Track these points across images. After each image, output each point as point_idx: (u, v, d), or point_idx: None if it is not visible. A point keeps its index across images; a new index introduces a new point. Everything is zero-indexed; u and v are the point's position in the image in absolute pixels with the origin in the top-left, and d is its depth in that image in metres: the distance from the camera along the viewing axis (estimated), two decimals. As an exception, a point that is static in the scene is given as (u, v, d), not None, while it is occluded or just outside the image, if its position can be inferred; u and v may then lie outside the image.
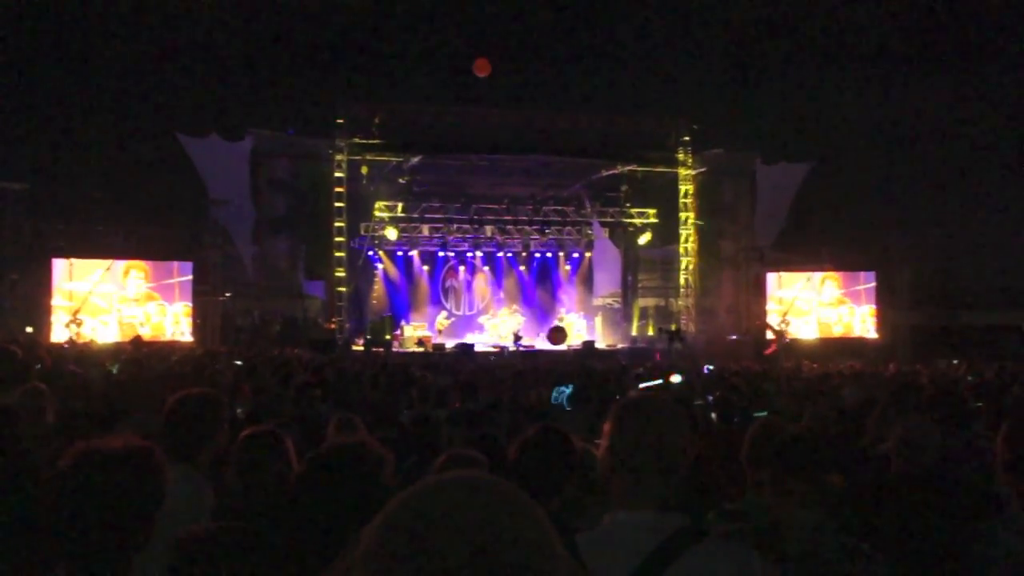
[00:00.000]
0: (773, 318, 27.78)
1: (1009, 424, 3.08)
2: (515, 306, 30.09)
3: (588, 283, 31.76)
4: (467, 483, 1.05)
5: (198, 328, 24.77)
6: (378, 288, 29.65)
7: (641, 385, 11.35)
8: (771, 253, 29.59)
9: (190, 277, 24.69)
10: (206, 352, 17.44)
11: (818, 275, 28.75)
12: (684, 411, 2.42)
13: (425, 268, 29.94)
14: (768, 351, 25.27)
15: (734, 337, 27.19)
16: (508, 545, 0.98)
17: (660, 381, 12.29)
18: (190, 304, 24.70)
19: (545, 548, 1.02)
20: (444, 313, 29.29)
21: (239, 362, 14.25)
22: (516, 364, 19.84)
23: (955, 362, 20.16)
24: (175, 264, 24.70)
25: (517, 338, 26.64)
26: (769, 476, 3.31)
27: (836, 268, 28.88)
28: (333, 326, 26.79)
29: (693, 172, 29.33)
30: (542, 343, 28.48)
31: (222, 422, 3.69)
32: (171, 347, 20.97)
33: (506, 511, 1.02)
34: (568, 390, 9.43)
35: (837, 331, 28.64)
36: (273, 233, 27.39)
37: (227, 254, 26.02)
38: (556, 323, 28.71)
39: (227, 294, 25.98)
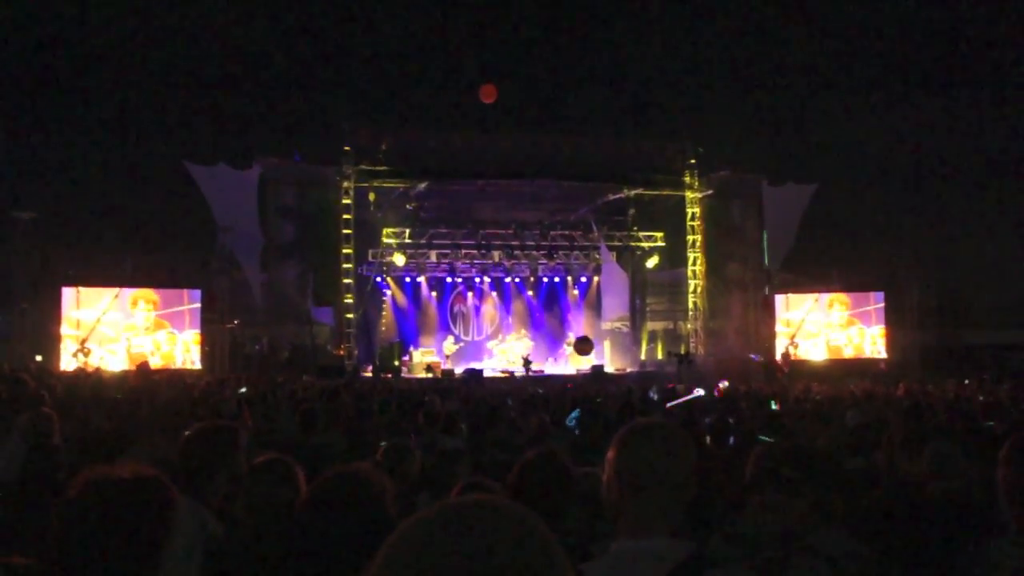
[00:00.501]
0: (782, 341, 27.72)
1: (1009, 444, 2.95)
2: (523, 331, 30.10)
3: (596, 307, 31.74)
4: (476, 506, 1.05)
5: (207, 356, 24.74)
6: (386, 314, 29.67)
7: (668, 404, 11.45)
8: (779, 275, 29.52)
9: (199, 305, 24.69)
10: (213, 380, 17.38)
11: (826, 296, 28.65)
12: (689, 436, 2.35)
13: (433, 294, 30.00)
14: (780, 374, 25.20)
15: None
16: (516, 568, 0.98)
17: (692, 396, 12.36)
18: (199, 332, 24.69)
19: (554, 571, 1.01)
20: (452, 338, 29.27)
21: (243, 389, 14.21)
22: (527, 389, 19.76)
23: (966, 382, 20.03)
24: (185, 292, 24.72)
25: (527, 363, 26.61)
26: (776, 499, 3.18)
27: (845, 289, 28.76)
28: (342, 352, 26.76)
29: (700, 195, 29.32)
30: (551, 367, 28.46)
31: (237, 455, 3.62)
32: (180, 375, 20.95)
33: (514, 534, 1.01)
34: (576, 414, 9.42)
35: (848, 353, 28.48)
36: (281, 260, 27.37)
37: (235, 281, 26.00)
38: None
39: (235, 321, 25.96)
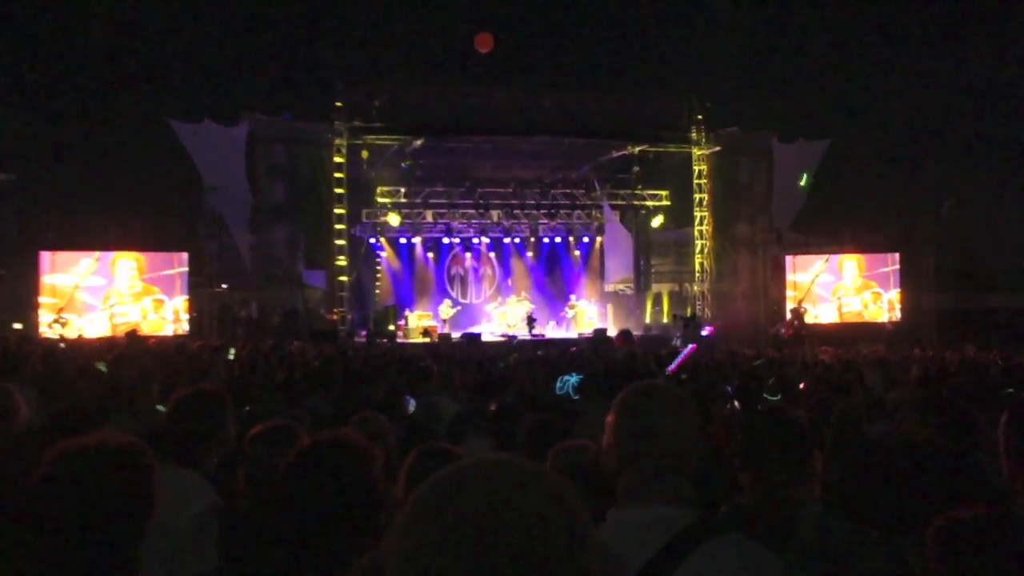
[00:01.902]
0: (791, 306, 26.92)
1: (1009, 411, 2.97)
2: (523, 293, 29.51)
3: (599, 269, 31.24)
4: (494, 467, 1.05)
5: (194, 321, 24.10)
6: (381, 277, 29.21)
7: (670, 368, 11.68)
8: (789, 235, 28.72)
9: (187, 268, 23.96)
10: (200, 346, 16.70)
11: (836, 257, 27.76)
12: (692, 400, 2.30)
13: (429, 255, 29.47)
14: (787, 335, 24.54)
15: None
16: (541, 527, 0.98)
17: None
18: (188, 297, 24.01)
19: (579, 532, 1.01)
20: (449, 302, 28.58)
21: (232, 355, 13.82)
22: (527, 352, 19.08)
23: (969, 345, 19.49)
24: (174, 256, 23.97)
25: (531, 321, 26.12)
26: (774, 466, 3.07)
27: (858, 250, 27.92)
28: (335, 317, 26.18)
29: (707, 151, 28.43)
30: (552, 331, 28.00)
31: (225, 421, 3.66)
32: (171, 342, 20.18)
33: (537, 493, 1.01)
34: (573, 379, 8.87)
35: (862, 317, 27.62)
36: (271, 221, 26.61)
37: (223, 244, 25.26)
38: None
39: (224, 285, 25.26)
